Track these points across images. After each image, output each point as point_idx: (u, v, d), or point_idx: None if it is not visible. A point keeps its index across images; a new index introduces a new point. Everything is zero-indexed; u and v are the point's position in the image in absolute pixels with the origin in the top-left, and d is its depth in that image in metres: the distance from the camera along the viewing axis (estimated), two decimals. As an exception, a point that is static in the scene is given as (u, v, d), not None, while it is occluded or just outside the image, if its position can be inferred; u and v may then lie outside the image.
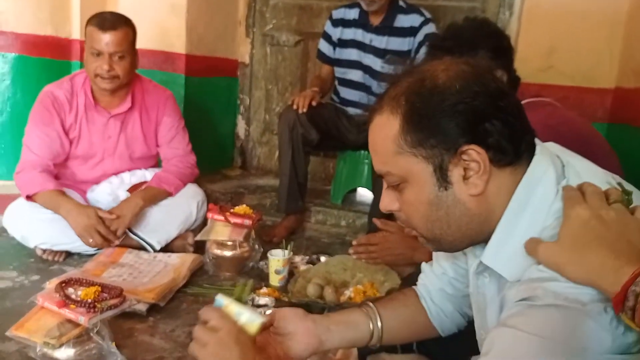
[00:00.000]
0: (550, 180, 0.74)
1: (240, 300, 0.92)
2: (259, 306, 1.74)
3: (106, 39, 2.00)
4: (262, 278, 2.00)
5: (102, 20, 2.03)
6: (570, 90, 2.40)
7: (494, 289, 0.80)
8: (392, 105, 0.77)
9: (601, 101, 2.40)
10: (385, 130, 0.77)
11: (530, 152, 0.77)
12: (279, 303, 1.78)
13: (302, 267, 2.08)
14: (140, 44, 2.29)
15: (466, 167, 0.74)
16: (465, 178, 0.74)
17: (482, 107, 0.73)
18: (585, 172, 0.77)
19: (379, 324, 1.02)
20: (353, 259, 1.91)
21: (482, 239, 0.79)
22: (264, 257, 2.04)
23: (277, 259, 1.94)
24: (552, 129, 1.43)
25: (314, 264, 2.13)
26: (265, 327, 0.93)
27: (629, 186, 0.72)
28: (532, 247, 0.70)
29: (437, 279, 1.05)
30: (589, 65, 2.38)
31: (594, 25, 2.36)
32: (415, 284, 1.40)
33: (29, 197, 2.03)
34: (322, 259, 2.18)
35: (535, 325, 0.64)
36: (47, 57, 2.76)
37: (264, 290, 1.87)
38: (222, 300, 0.90)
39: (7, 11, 2.58)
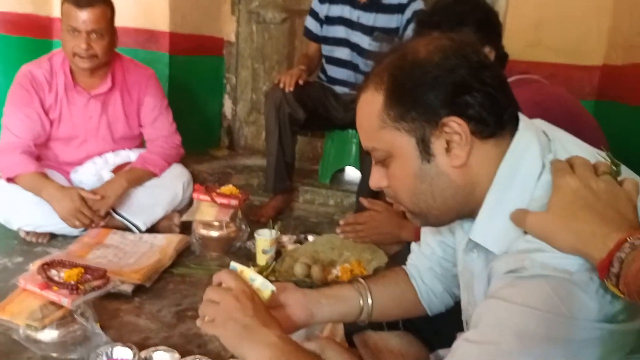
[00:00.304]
0: (535, 154, 0.74)
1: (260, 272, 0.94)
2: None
3: (83, 17, 1.94)
4: (249, 258, 1.99)
5: None
6: (557, 67, 2.39)
7: (482, 263, 0.80)
8: (376, 82, 0.78)
9: (589, 78, 2.40)
10: (370, 107, 0.79)
11: (514, 126, 0.77)
12: (266, 283, 1.77)
13: (290, 247, 2.08)
14: (122, 21, 2.24)
15: (448, 140, 0.74)
16: (447, 150, 0.75)
17: (463, 80, 0.73)
18: (573, 146, 0.77)
19: (369, 299, 1.03)
20: (340, 238, 1.91)
21: (469, 212, 0.80)
22: (251, 237, 2.03)
23: (264, 238, 1.93)
24: (540, 106, 1.42)
25: (301, 243, 2.13)
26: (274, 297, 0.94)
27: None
28: (520, 217, 0.70)
29: (426, 259, 1.05)
30: (576, 41, 2.37)
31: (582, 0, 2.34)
32: (403, 262, 1.39)
33: (10, 180, 1.99)
34: (310, 238, 2.17)
35: (523, 296, 0.65)
36: (27, 36, 2.70)
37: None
38: (236, 266, 0.92)
39: (-17, -12, 2.52)
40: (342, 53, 2.63)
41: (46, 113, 2.09)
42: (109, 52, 2.06)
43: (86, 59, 1.98)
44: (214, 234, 2.00)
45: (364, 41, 2.56)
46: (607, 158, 0.71)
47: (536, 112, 1.43)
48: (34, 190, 1.96)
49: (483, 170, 0.76)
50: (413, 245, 1.11)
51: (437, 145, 0.75)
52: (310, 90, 2.51)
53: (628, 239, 0.58)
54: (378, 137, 0.79)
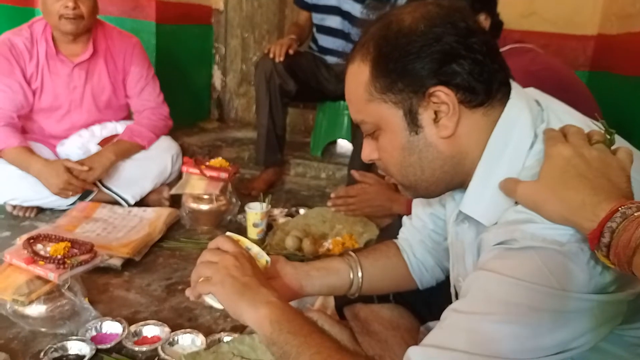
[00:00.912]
0: (527, 123, 0.73)
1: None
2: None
3: None
4: (240, 231, 1.94)
5: None
6: (552, 37, 2.36)
7: (473, 234, 0.80)
8: (362, 53, 0.76)
9: (583, 48, 2.37)
10: (357, 79, 0.77)
11: (505, 95, 0.75)
12: (256, 256, 1.76)
13: (281, 220, 2.06)
14: (106, -12, 2.17)
15: (436, 110, 0.73)
16: (435, 121, 0.74)
17: (449, 48, 0.71)
18: (566, 116, 0.76)
19: (360, 272, 1.03)
20: (332, 211, 1.90)
21: (459, 183, 0.79)
22: (242, 210, 2.02)
23: (255, 212, 1.91)
24: (533, 75, 1.40)
25: (292, 216, 2.12)
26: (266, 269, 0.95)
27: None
28: (510, 186, 0.69)
29: (417, 232, 1.05)
30: (571, 11, 2.33)
31: (578, -32, 2.29)
32: (394, 235, 1.38)
33: (-6, 153, 1.94)
34: (301, 211, 2.16)
35: (513, 268, 0.64)
36: (7, 4, 2.62)
37: (242, 243, 1.85)
38: (232, 235, 0.93)
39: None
40: (334, 21, 2.57)
41: (28, 82, 2.03)
42: (93, 15, 1.99)
43: (72, 19, 1.91)
44: (204, 207, 1.97)
45: (356, 9, 2.50)
46: (601, 127, 0.69)
47: (530, 81, 1.40)
48: (20, 166, 1.92)
49: (472, 140, 0.74)
50: (405, 219, 1.10)
51: (425, 116, 0.74)
52: (301, 61, 2.46)
53: (619, 208, 0.57)
54: (365, 109, 0.77)
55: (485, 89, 0.73)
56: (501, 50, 1.58)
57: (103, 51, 2.10)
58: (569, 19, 2.36)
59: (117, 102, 2.20)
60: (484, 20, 1.49)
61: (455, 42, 0.71)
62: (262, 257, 0.92)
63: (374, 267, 1.05)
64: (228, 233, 0.93)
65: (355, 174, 1.84)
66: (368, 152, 0.82)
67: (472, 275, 0.70)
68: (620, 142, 0.71)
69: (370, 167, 2.36)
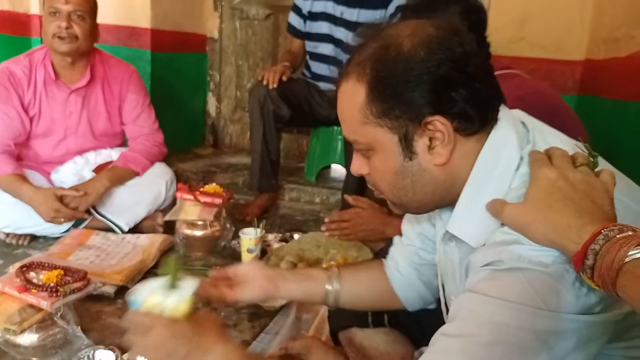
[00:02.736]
0: (513, 145, 0.74)
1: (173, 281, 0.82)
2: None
3: None
4: (234, 257, 1.97)
5: None
6: (540, 62, 2.40)
7: (461, 254, 0.80)
8: (358, 72, 0.75)
9: (571, 73, 2.41)
10: (352, 99, 0.77)
11: (496, 117, 0.76)
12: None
13: (275, 245, 2.06)
14: (104, 19, 2.20)
15: (431, 137, 0.74)
16: (430, 148, 0.74)
17: (448, 76, 0.71)
18: (552, 137, 0.77)
19: (338, 284, 1.04)
20: (326, 236, 1.90)
21: (449, 202, 0.80)
22: (236, 236, 2.01)
23: (249, 237, 1.91)
24: (521, 99, 1.42)
25: (287, 241, 2.11)
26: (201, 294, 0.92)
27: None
28: (497, 208, 0.70)
29: (405, 249, 1.05)
30: (559, 36, 2.38)
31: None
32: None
33: (-13, 181, 1.95)
34: (296, 236, 2.16)
35: (499, 289, 0.65)
36: (5, 33, 2.65)
37: (236, 269, 1.84)
38: (136, 297, 0.81)
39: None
40: (326, 49, 2.61)
41: (25, 110, 2.05)
42: (89, 39, 2.03)
43: (66, 39, 1.95)
44: (198, 233, 1.97)
45: (348, 37, 2.53)
46: (585, 149, 0.71)
47: (517, 105, 1.43)
48: (13, 193, 1.92)
49: (464, 164, 0.75)
50: (395, 238, 1.10)
51: (420, 143, 0.74)
52: (294, 87, 2.49)
53: (602, 231, 0.58)
54: (360, 130, 0.77)
55: (481, 116, 0.74)
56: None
57: (100, 78, 2.13)
58: (558, 44, 2.42)
59: (112, 129, 2.21)
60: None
61: (454, 70, 0.72)
62: (183, 299, 0.79)
63: (354, 280, 1.06)
64: (131, 295, 0.82)
65: (349, 198, 1.85)
66: (358, 166, 0.83)
67: (459, 298, 0.70)
68: (603, 164, 0.72)
69: (363, 192, 2.38)
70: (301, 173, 2.91)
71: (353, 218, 1.79)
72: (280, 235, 2.19)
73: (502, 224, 0.69)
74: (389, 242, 1.70)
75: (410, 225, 1.03)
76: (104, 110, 2.16)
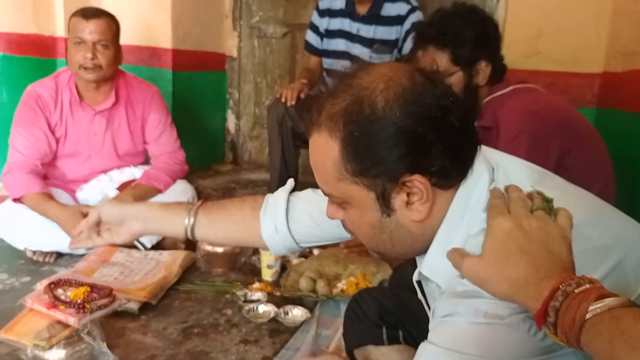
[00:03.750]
0: (484, 186, 0.74)
1: None
2: (251, 301, 1.74)
3: (90, 27, 2.00)
4: (254, 273, 1.99)
5: (85, 11, 2.05)
6: (557, 75, 2.39)
7: (434, 296, 0.80)
8: (330, 127, 0.72)
9: (589, 86, 2.40)
10: (325, 153, 0.74)
11: (472, 166, 0.75)
12: (271, 298, 1.78)
13: (295, 261, 2.08)
14: (125, 40, 2.27)
15: (409, 192, 0.72)
16: (408, 203, 0.73)
17: (424, 133, 0.69)
18: (514, 172, 0.76)
19: (192, 219, 1.08)
20: (345, 253, 1.91)
21: (425, 250, 0.79)
22: (257, 252, 2.04)
23: (269, 253, 1.92)
24: (537, 114, 1.43)
25: (306, 257, 2.13)
26: None
27: (549, 195, 0.69)
28: (456, 260, 0.68)
29: (284, 196, 1.07)
30: (576, 49, 2.37)
31: (580, 6, 2.34)
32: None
33: (16, 200, 2.01)
34: (315, 252, 2.17)
35: (455, 341, 0.66)
36: (31, 56, 2.73)
37: (256, 285, 1.86)
38: None
39: (-12, 10, 2.55)
40: (343, 65, 2.63)
41: (52, 131, 2.12)
42: (113, 65, 2.09)
43: (91, 69, 2.01)
44: (219, 249, 2.00)
45: (365, 53, 2.57)
46: (539, 195, 0.68)
47: (533, 119, 1.45)
48: (39, 211, 1.98)
49: (441, 214, 0.74)
50: (287, 187, 1.11)
51: (398, 200, 0.73)
52: (312, 104, 2.52)
53: (560, 286, 0.57)
54: (335, 185, 0.75)
55: (460, 170, 0.73)
56: (504, 91, 1.63)
57: (124, 100, 2.20)
58: (574, 58, 2.41)
59: (135, 149, 2.27)
60: (484, 67, 1.53)
61: (431, 127, 0.69)
62: None
63: (213, 217, 1.08)
64: None
65: (368, 214, 1.86)
66: (332, 212, 0.81)
67: (420, 347, 0.71)
68: (567, 199, 0.70)
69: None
70: (319, 189, 2.92)
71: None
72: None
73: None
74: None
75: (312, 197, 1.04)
76: (127, 130, 2.22)
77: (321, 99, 0.76)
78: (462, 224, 0.73)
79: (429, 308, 0.84)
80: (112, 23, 2.07)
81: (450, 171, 0.72)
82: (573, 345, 0.56)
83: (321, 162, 0.75)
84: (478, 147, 0.76)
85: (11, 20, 2.62)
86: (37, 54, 2.75)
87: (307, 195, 1.07)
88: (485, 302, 0.65)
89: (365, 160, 0.71)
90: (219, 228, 1.10)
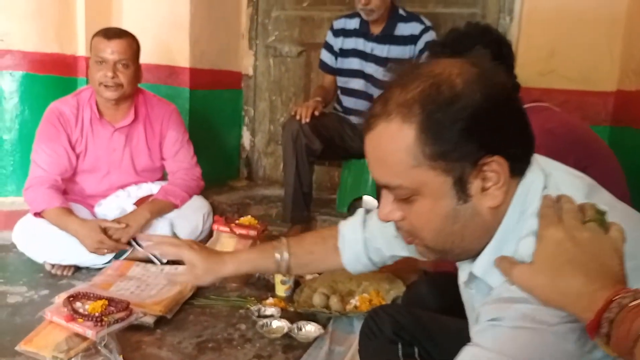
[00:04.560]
0: (538, 190, 0.74)
1: None
2: (265, 316, 1.75)
3: (111, 47, 2.06)
4: (268, 288, 2.01)
5: (107, 31, 2.12)
6: (571, 94, 2.40)
7: (480, 300, 0.79)
8: (404, 114, 0.70)
9: (603, 104, 2.40)
10: (396, 141, 0.71)
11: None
12: (285, 313, 1.79)
13: (308, 277, 2.09)
14: (144, 59, 2.33)
15: (484, 178, 0.71)
16: (483, 190, 0.72)
17: (502, 115, 0.70)
18: (564, 182, 0.75)
19: (286, 254, 1.15)
20: (358, 268, 1.92)
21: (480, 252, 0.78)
22: (270, 267, 2.05)
23: (283, 269, 1.94)
24: (550, 132, 1.44)
25: (320, 273, 2.14)
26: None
27: (602, 207, 0.69)
28: (506, 267, 0.69)
29: (360, 234, 1.13)
30: (589, 68, 2.38)
31: (593, 26, 2.36)
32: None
33: (37, 214, 2.06)
34: (328, 268, 2.18)
35: (501, 345, 0.65)
36: (54, 74, 2.80)
37: (270, 300, 1.88)
38: None
39: (13, 31, 2.63)
40: (357, 84, 2.68)
41: (73, 148, 2.17)
42: (133, 83, 2.15)
43: (112, 87, 2.07)
44: (234, 264, 2.02)
45: (378, 72, 2.61)
46: (593, 206, 0.69)
47: (546, 138, 1.45)
48: (59, 226, 2.02)
49: (507, 205, 0.74)
50: (359, 212, 1.16)
51: (475, 184, 0.71)
52: (326, 121, 2.55)
53: (615, 299, 0.57)
54: (407, 174, 0.71)
55: (527, 156, 0.74)
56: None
57: (142, 117, 2.25)
58: (588, 76, 2.41)
59: (152, 165, 2.32)
60: None
61: (505, 109, 0.70)
62: None
63: (303, 250, 1.17)
64: None
65: (381, 231, 1.87)
66: (388, 212, 0.77)
67: (463, 350, 0.70)
68: (622, 212, 0.72)
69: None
70: (333, 205, 2.94)
71: (385, 250, 1.80)
72: (313, 267, 2.22)
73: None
74: (421, 274, 1.72)
75: (381, 233, 1.09)
76: (145, 147, 2.27)
77: (384, 93, 0.74)
78: (518, 227, 0.72)
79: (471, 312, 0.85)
80: (132, 43, 2.14)
81: (522, 157, 0.73)
82: (626, 357, 0.56)
83: (390, 151, 0.72)
84: (534, 141, 0.76)
85: (35, 41, 2.70)
86: (59, 73, 2.82)
87: (377, 223, 1.11)
88: (533, 308, 0.65)
89: (445, 143, 0.69)
90: (307, 264, 1.20)
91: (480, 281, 0.77)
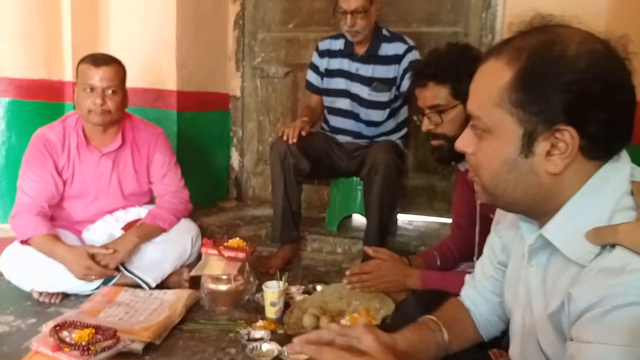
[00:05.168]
0: (626, 174, 0.75)
1: None
2: (255, 340, 1.74)
3: (100, 74, 2.06)
4: (258, 311, 2.00)
5: (95, 58, 2.12)
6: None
7: (540, 278, 0.81)
8: (512, 56, 0.75)
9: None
10: (495, 78, 0.77)
11: (619, 154, 0.77)
12: (275, 336, 1.78)
13: (298, 298, 2.09)
14: (132, 82, 2.34)
15: (554, 144, 0.74)
16: (548, 154, 0.74)
17: (597, 94, 0.71)
18: None
19: (446, 335, 1.02)
20: (348, 288, 1.92)
21: (540, 214, 0.80)
22: (260, 289, 2.05)
23: (272, 291, 1.95)
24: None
25: (310, 293, 2.14)
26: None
27: None
28: (606, 232, 0.69)
29: (479, 292, 1.10)
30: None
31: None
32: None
33: (23, 242, 2.05)
34: (318, 288, 2.18)
35: (620, 334, 0.63)
36: (40, 100, 2.81)
37: (260, 323, 1.87)
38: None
39: (0, 59, 2.64)
40: (343, 103, 2.71)
41: (59, 173, 2.17)
42: (120, 109, 2.16)
43: (100, 114, 2.08)
44: (223, 287, 2.02)
45: (364, 91, 2.64)
46: None
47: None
48: (46, 252, 2.01)
49: (573, 182, 0.75)
50: (467, 278, 1.15)
51: (542, 145, 0.74)
52: (313, 141, 2.57)
53: None
54: (488, 110, 0.77)
55: (608, 146, 0.74)
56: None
57: (130, 141, 2.25)
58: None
59: (140, 189, 2.31)
60: None
61: (604, 92, 0.71)
62: None
63: (454, 328, 1.06)
64: None
65: (369, 250, 1.89)
66: (464, 144, 0.82)
67: (574, 349, 0.68)
68: None
69: (384, 242, 2.41)
70: (322, 223, 2.95)
71: (374, 270, 1.82)
72: (303, 287, 2.22)
73: (607, 249, 0.69)
74: (409, 293, 1.73)
75: (482, 271, 1.07)
76: (132, 171, 2.27)
77: (510, 37, 0.78)
78: (597, 199, 0.74)
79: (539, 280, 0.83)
80: (120, 69, 2.15)
81: (600, 143, 0.73)
82: None
83: (486, 84, 0.78)
84: (630, 140, 0.77)
85: (22, 66, 2.72)
86: (46, 98, 2.83)
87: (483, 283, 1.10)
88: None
89: (532, 95, 0.73)
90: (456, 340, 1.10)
91: (555, 255, 0.78)
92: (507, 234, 0.99)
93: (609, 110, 0.72)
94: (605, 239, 0.70)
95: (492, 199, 0.83)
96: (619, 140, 0.75)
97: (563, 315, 0.73)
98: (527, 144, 0.75)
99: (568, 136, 0.72)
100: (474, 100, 0.81)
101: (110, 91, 2.08)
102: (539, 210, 0.80)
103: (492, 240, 1.07)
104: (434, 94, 1.61)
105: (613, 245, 0.70)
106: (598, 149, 0.74)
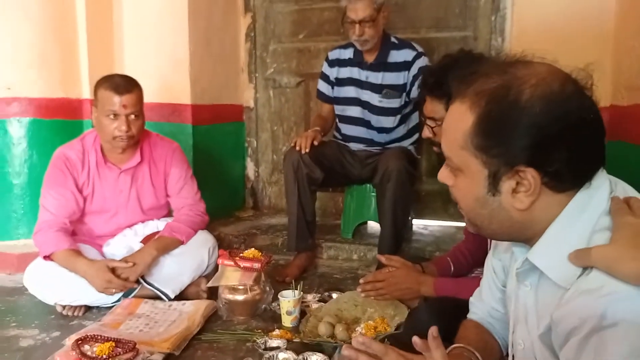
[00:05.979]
0: (604, 194, 0.77)
1: None
2: (271, 349, 1.77)
3: (124, 101, 2.10)
4: (275, 320, 2.03)
5: (116, 85, 2.11)
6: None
7: (533, 298, 0.83)
8: (473, 101, 0.79)
9: (598, 119, 2.42)
10: (459, 122, 0.81)
11: (591, 180, 0.79)
12: (291, 344, 1.81)
13: (314, 306, 2.11)
14: (147, 98, 2.39)
15: (519, 182, 0.77)
16: (514, 191, 0.78)
17: (555, 135, 0.74)
18: (631, 190, 0.81)
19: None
20: (362, 296, 1.94)
21: (524, 240, 0.84)
22: (276, 298, 2.08)
23: (288, 300, 1.97)
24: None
25: (325, 301, 2.16)
26: None
27: None
28: (582, 254, 0.72)
29: (489, 315, 1.11)
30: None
31: (582, 44, 2.40)
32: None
33: (46, 257, 2.11)
34: (334, 295, 2.20)
35: (605, 357, 0.65)
36: (59, 119, 2.89)
37: (277, 332, 1.89)
38: None
39: (20, 80, 2.74)
40: (354, 111, 2.73)
41: (80, 191, 2.23)
42: (142, 130, 2.22)
43: (126, 140, 2.13)
44: (239, 297, 2.05)
45: (374, 99, 2.67)
46: None
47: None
48: (68, 267, 2.07)
49: (545, 214, 0.78)
50: (473, 300, 1.15)
51: (506, 184, 0.78)
52: (326, 150, 2.60)
53: None
54: (456, 151, 0.82)
55: (575, 179, 0.77)
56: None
57: (147, 158, 2.31)
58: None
59: (158, 203, 2.37)
60: None
61: (564, 132, 0.73)
62: None
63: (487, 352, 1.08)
64: None
65: (382, 258, 1.90)
66: (445, 176, 0.87)
67: None
68: None
69: (398, 249, 2.42)
70: (338, 231, 2.98)
71: (387, 278, 1.83)
72: (319, 295, 2.24)
73: (587, 271, 0.71)
74: (421, 300, 1.74)
75: (492, 295, 1.08)
76: (150, 186, 2.33)
77: (475, 75, 0.82)
78: (579, 221, 0.76)
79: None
80: (140, 93, 2.18)
81: (565, 177, 0.76)
82: None
83: (453, 128, 0.83)
84: (602, 166, 0.80)
85: (40, 87, 2.80)
86: (64, 117, 2.91)
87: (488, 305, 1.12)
88: (617, 297, 0.65)
89: (492, 139, 0.77)
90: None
91: (543, 277, 0.80)
92: (504, 256, 1.02)
93: (570, 148, 0.74)
94: (582, 261, 0.73)
95: (476, 230, 0.88)
96: (588, 170, 0.78)
97: (553, 336, 0.76)
98: (493, 184, 0.79)
99: (529, 176, 0.76)
100: (444, 141, 0.86)
101: (133, 116, 2.13)
102: (520, 239, 0.84)
103: (492, 263, 1.08)
104: (432, 107, 1.64)
105: (592, 267, 0.72)
106: (563, 182, 0.76)
